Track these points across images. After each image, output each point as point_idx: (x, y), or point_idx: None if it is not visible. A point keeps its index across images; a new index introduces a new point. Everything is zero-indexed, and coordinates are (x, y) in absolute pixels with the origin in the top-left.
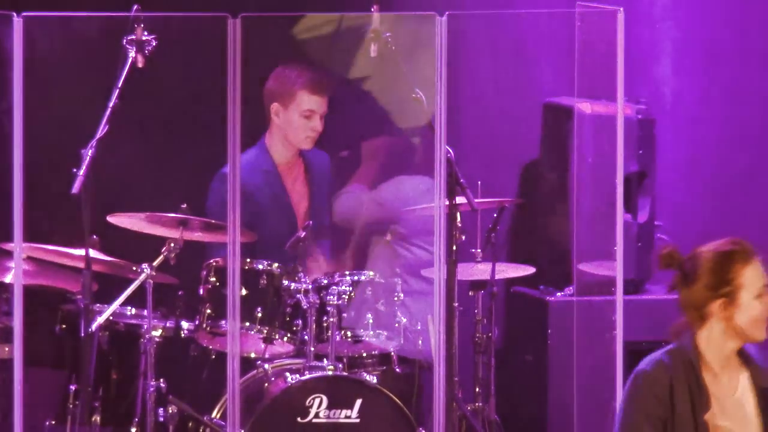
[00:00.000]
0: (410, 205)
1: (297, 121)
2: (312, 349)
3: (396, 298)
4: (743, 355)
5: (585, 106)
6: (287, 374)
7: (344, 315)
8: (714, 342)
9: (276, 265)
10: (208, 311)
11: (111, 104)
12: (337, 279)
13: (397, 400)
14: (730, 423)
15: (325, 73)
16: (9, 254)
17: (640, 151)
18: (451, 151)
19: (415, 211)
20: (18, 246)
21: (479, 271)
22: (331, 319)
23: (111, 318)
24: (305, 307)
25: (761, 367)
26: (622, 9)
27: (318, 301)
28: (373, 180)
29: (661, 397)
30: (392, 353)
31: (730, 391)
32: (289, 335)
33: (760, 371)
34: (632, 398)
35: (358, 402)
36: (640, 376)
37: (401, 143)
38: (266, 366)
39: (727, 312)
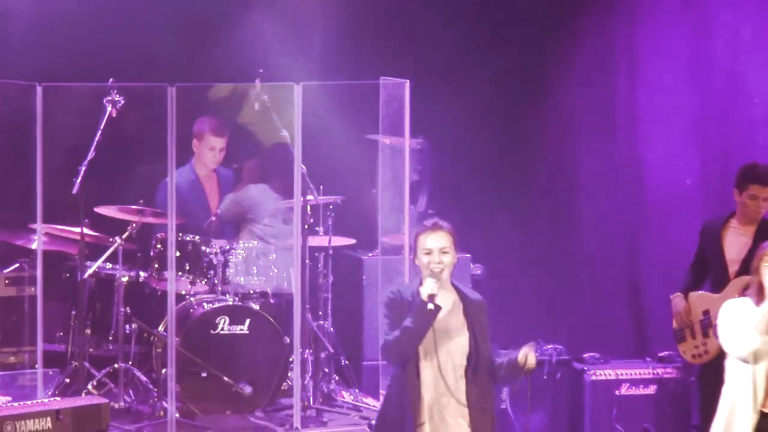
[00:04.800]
0: (259, 202)
1: (205, 152)
2: (219, 288)
3: (271, 257)
4: (455, 286)
5: (385, 140)
6: (204, 304)
7: (239, 268)
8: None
9: (197, 237)
10: (156, 266)
11: (96, 139)
12: (234, 245)
13: (272, 319)
14: (442, 328)
15: (224, 123)
16: (33, 231)
17: (419, 167)
18: (304, 167)
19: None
20: (39, 225)
21: (321, 240)
22: (231, 270)
23: (96, 270)
24: (215, 263)
25: (465, 293)
26: (408, 81)
27: (223, 259)
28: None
29: (399, 311)
30: (268, 291)
31: (444, 308)
32: (205, 280)
33: (465, 295)
34: (386, 310)
35: (248, 321)
36: (386, 295)
37: (264, 163)
38: (191, 298)
39: (416, 262)
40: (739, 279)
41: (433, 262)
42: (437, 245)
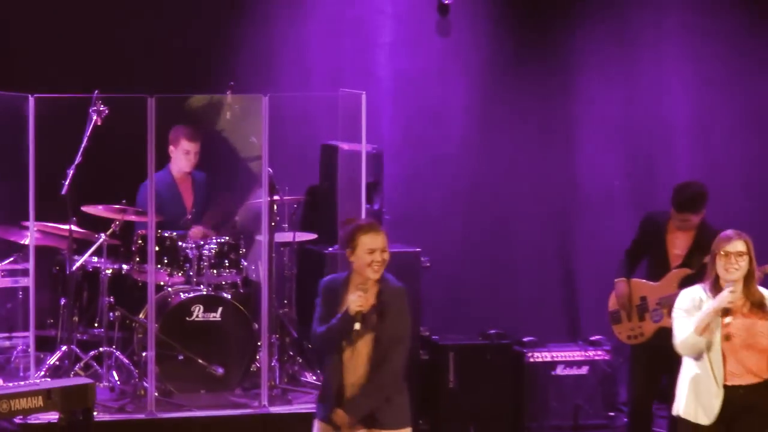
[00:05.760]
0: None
1: (181, 156)
2: (194, 279)
3: (241, 252)
4: (382, 279)
5: (344, 146)
6: (181, 293)
7: (212, 261)
8: (356, 272)
9: (174, 233)
10: (137, 259)
11: (83, 145)
12: (208, 241)
13: (242, 307)
14: (365, 323)
15: (197, 130)
16: (26, 228)
17: (374, 170)
18: (271, 170)
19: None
20: (32, 223)
21: (286, 236)
22: (205, 263)
23: (83, 263)
24: (191, 257)
25: (386, 282)
26: (364, 92)
27: (198, 253)
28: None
29: (330, 299)
30: (238, 282)
31: (370, 301)
32: (182, 272)
33: (385, 285)
34: (320, 299)
35: (220, 309)
36: (321, 285)
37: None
38: (169, 288)
39: (352, 258)
40: (678, 270)
41: (376, 261)
42: (380, 245)
